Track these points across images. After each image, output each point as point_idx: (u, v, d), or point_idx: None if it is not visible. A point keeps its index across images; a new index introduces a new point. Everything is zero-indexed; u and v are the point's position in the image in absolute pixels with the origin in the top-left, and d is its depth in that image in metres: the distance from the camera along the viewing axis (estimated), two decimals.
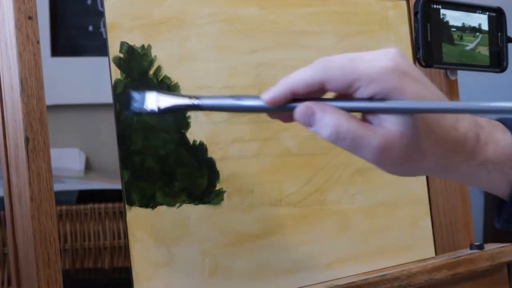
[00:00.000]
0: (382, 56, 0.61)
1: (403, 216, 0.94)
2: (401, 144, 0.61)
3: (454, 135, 0.62)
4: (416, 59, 0.92)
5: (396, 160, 0.61)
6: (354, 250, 0.88)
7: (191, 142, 0.78)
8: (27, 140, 0.69)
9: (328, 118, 0.60)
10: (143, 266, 0.74)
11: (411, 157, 0.61)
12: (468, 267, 0.91)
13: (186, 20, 0.79)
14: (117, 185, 1.16)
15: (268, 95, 0.62)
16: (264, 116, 0.83)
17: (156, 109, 0.66)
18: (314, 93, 0.62)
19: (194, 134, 0.78)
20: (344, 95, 0.62)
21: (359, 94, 0.61)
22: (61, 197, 1.21)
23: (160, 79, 0.77)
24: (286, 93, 0.61)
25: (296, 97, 0.62)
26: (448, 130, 0.62)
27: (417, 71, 0.62)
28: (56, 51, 1.49)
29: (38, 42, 0.70)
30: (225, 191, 0.79)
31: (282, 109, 0.62)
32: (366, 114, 0.62)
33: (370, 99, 0.60)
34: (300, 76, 0.61)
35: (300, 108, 0.61)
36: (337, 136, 0.60)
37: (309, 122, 0.61)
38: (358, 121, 0.61)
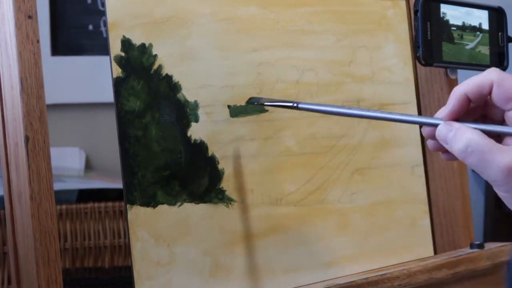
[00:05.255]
0: None
1: (403, 215, 0.94)
2: None
3: None
4: (415, 57, 0.92)
5: None
6: (353, 249, 0.88)
7: (192, 141, 0.78)
8: (27, 139, 0.69)
9: (462, 133, 0.63)
10: (144, 265, 0.74)
11: None
12: (468, 266, 0.91)
13: (187, 19, 0.79)
14: (118, 184, 1.16)
15: (444, 111, 0.66)
16: (264, 115, 0.83)
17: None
18: (481, 98, 0.65)
19: (194, 133, 0.78)
20: (488, 118, 0.66)
21: None
22: (61, 196, 1.20)
23: (161, 77, 0.77)
24: (461, 97, 0.65)
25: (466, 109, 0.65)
26: None
27: None
28: (56, 50, 1.49)
29: (38, 41, 0.70)
30: (225, 190, 0.79)
31: (426, 124, 0.67)
32: (504, 141, 0.64)
33: None
34: (472, 79, 0.65)
35: (442, 125, 0.65)
36: (466, 149, 0.62)
37: (445, 138, 0.64)
38: (492, 140, 0.62)
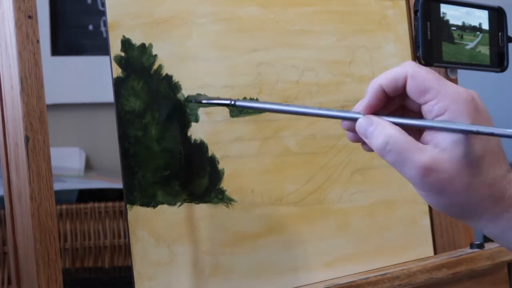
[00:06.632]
0: (464, 89, 0.63)
1: (403, 215, 0.94)
2: (447, 168, 0.60)
3: (503, 185, 0.62)
4: (415, 57, 0.92)
5: (438, 186, 0.61)
6: (353, 249, 0.88)
7: (192, 141, 0.78)
8: (27, 139, 0.69)
9: (381, 129, 0.62)
10: (144, 265, 0.74)
11: (454, 187, 0.61)
12: (468, 266, 0.91)
13: (187, 19, 0.79)
14: (118, 184, 1.16)
15: (362, 104, 0.65)
16: (264, 115, 0.83)
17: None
18: (396, 91, 0.64)
19: (194, 133, 0.78)
20: (406, 108, 0.65)
21: (427, 107, 0.62)
22: (61, 196, 1.20)
23: (161, 77, 0.77)
24: (378, 90, 0.64)
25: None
26: (498, 177, 0.61)
27: (487, 115, 0.63)
28: (56, 50, 1.49)
29: (38, 41, 0.70)
30: (225, 190, 0.79)
31: (346, 118, 0.66)
32: (424, 135, 0.63)
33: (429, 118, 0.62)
34: (388, 72, 0.65)
35: (361, 119, 0.64)
36: (385, 146, 0.62)
37: (365, 132, 0.64)
38: (411, 138, 0.62)
